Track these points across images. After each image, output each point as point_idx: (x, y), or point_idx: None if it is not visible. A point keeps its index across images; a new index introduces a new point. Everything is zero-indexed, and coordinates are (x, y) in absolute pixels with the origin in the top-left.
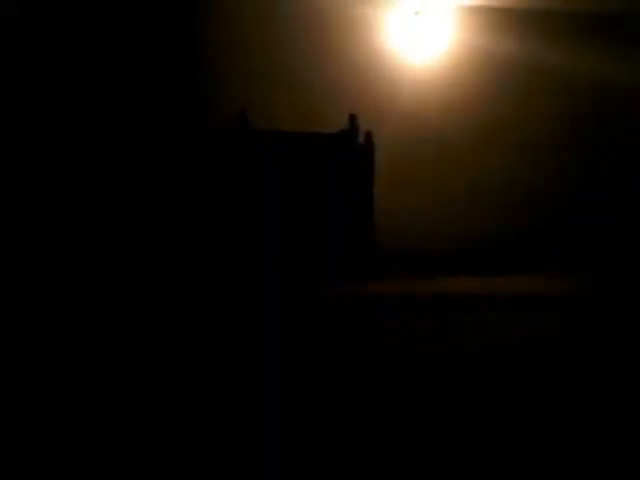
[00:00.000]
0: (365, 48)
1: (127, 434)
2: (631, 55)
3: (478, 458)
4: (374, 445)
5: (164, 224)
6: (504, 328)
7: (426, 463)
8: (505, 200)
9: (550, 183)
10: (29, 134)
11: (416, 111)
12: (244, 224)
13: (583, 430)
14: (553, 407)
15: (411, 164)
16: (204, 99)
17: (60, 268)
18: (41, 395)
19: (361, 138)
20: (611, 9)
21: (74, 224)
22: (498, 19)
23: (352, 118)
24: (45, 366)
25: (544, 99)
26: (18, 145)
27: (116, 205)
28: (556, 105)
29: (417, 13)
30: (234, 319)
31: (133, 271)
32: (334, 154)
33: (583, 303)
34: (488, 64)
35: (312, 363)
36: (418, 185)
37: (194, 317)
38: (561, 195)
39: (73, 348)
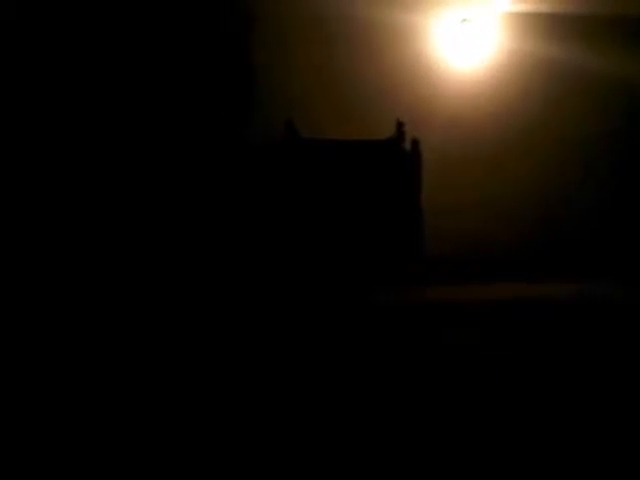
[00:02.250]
0: (412, 56)
1: (127, 434)
2: None
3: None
4: (431, 454)
5: (215, 234)
6: (557, 333)
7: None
8: (549, 206)
9: (594, 191)
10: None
11: (462, 118)
12: (294, 233)
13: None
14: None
15: (457, 171)
16: (253, 111)
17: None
18: (41, 395)
19: (408, 145)
20: None
21: (111, 235)
22: (543, 25)
23: (399, 125)
24: (45, 366)
25: (589, 105)
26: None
27: (167, 215)
28: (601, 111)
29: (463, 21)
30: (285, 324)
31: (180, 279)
32: (381, 162)
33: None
34: (534, 70)
35: (361, 368)
36: (464, 191)
37: (242, 321)
38: (604, 203)
39: (73, 348)
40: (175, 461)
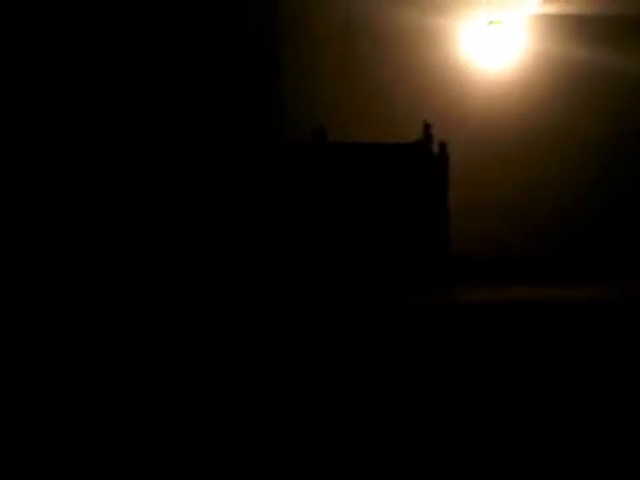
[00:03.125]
0: (439, 58)
1: (128, 434)
2: None
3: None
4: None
5: (244, 238)
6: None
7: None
8: (572, 207)
9: (615, 192)
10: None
11: (489, 120)
12: (322, 235)
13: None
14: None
15: (483, 171)
16: (281, 116)
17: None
18: (41, 395)
19: (435, 147)
20: None
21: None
22: (570, 27)
23: (426, 128)
24: (45, 366)
25: (614, 106)
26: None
27: (196, 220)
28: (627, 112)
29: (491, 23)
30: (312, 326)
31: (199, 279)
32: (409, 164)
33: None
34: (560, 72)
35: (387, 366)
36: (489, 192)
37: (269, 323)
38: (626, 203)
39: (73, 348)
40: (175, 461)
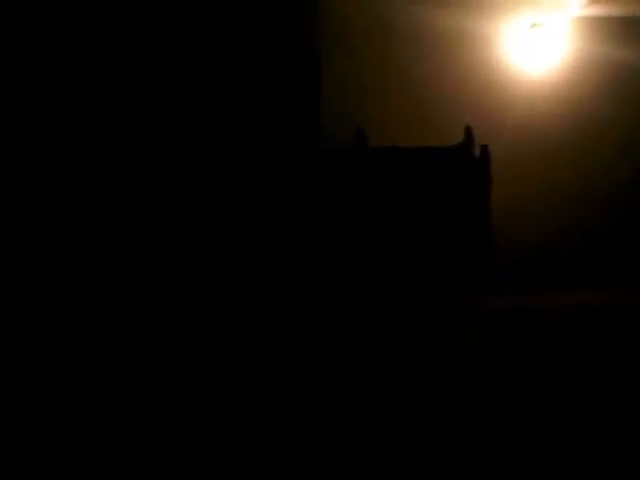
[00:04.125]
0: (481, 61)
1: (127, 434)
2: None
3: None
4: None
5: (282, 242)
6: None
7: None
8: (618, 214)
9: None
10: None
11: (531, 122)
12: (362, 240)
13: None
14: None
15: (525, 174)
16: (322, 118)
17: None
18: (41, 395)
19: (477, 151)
20: None
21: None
22: (614, 29)
23: (468, 131)
24: (45, 366)
25: None
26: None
27: (231, 226)
28: None
29: (533, 25)
30: (356, 333)
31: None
32: (450, 168)
33: None
34: (604, 74)
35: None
36: (533, 195)
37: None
38: None
39: (73, 348)
40: (175, 461)
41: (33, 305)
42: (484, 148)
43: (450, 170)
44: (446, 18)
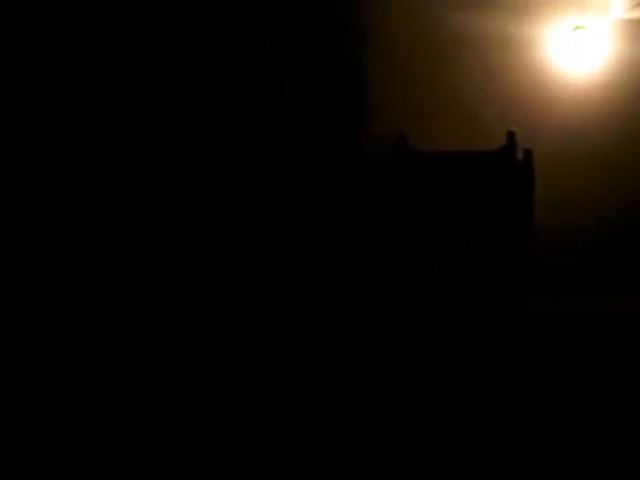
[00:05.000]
0: (524, 64)
1: (127, 434)
2: None
3: None
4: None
5: (325, 249)
6: None
7: None
8: None
9: None
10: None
11: (575, 125)
12: (404, 246)
13: None
14: None
15: (569, 181)
16: (363, 125)
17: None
18: (41, 395)
19: (520, 155)
20: None
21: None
22: None
23: (510, 135)
24: (44, 366)
25: None
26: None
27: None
28: None
29: (577, 28)
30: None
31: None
32: (492, 172)
33: None
34: None
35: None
36: (576, 202)
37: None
38: None
39: (72, 348)
40: (175, 461)
41: (33, 305)
42: (527, 152)
43: (492, 174)
44: (489, 21)
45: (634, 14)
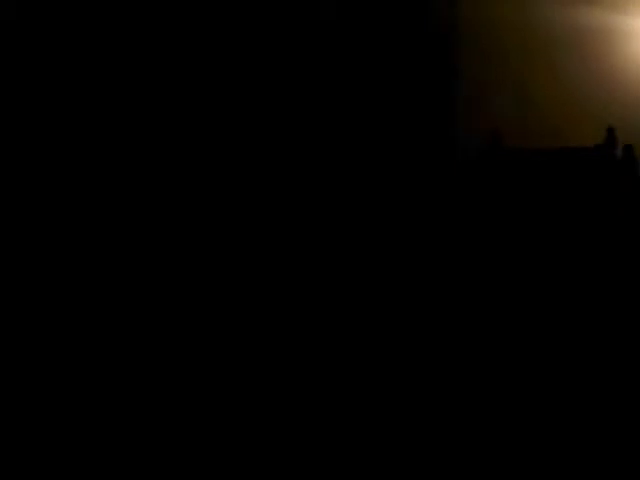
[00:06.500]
0: (622, 60)
1: (127, 434)
2: None
3: None
4: None
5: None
6: None
7: None
8: None
9: None
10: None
11: None
12: (497, 246)
13: None
14: None
15: None
16: (458, 120)
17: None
18: (41, 395)
19: (619, 152)
20: None
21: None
22: None
23: (610, 131)
24: (45, 366)
25: None
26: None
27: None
28: None
29: None
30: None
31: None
32: (591, 169)
33: None
34: None
35: None
36: None
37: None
38: None
39: (73, 348)
40: (175, 461)
41: (33, 305)
42: (628, 148)
43: (591, 171)
44: (586, 17)
45: None
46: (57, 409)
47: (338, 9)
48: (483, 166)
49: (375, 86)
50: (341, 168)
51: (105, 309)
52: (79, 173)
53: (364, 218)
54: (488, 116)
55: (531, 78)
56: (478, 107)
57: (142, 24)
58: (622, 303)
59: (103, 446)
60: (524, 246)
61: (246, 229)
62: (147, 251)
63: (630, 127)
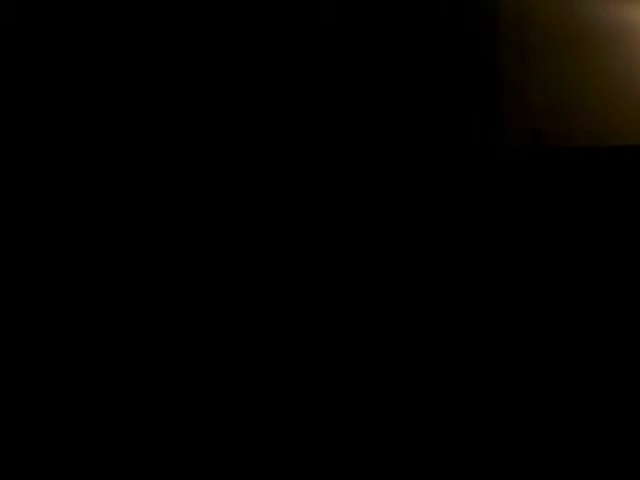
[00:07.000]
0: None
1: (127, 434)
2: None
3: None
4: None
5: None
6: None
7: None
8: None
9: None
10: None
11: None
12: (539, 250)
13: None
14: None
15: None
16: (498, 119)
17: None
18: (41, 395)
19: None
20: None
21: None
22: None
23: None
24: (44, 366)
25: None
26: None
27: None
28: None
29: None
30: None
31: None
32: (634, 168)
33: None
34: None
35: None
36: None
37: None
38: None
39: (72, 348)
40: (175, 461)
41: (32, 304)
42: None
43: (634, 170)
44: (633, 13)
45: None
46: (57, 409)
47: (381, 8)
48: (523, 166)
49: (413, 87)
50: (378, 169)
51: (105, 309)
52: (79, 173)
53: (402, 219)
54: (530, 116)
55: (573, 75)
56: (519, 107)
57: (142, 24)
58: None
59: (103, 446)
60: (572, 248)
61: (258, 226)
62: (147, 251)
63: None
